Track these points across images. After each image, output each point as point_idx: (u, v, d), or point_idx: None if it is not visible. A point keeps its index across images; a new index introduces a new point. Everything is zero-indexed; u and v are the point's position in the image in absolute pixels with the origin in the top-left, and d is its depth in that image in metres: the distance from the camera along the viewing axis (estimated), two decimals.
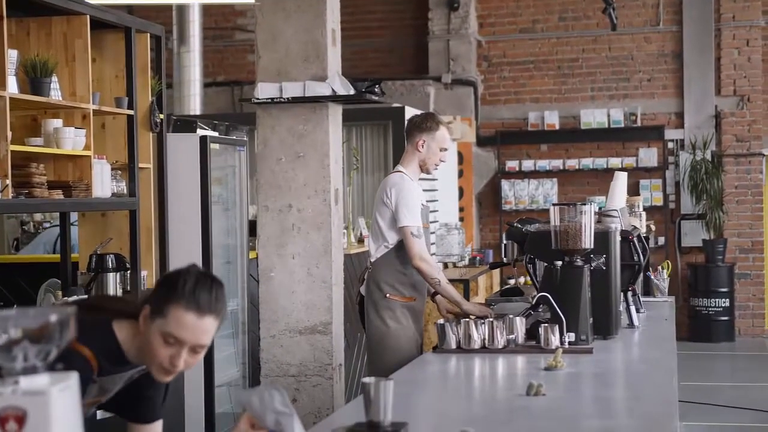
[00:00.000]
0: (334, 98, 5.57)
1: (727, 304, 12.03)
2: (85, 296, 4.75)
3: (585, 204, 4.39)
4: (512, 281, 11.90)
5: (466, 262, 10.50)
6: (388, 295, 5.06)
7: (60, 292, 5.34)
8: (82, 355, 2.52)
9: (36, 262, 6.52)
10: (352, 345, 7.37)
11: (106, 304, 2.71)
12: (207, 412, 6.07)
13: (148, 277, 5.73)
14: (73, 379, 1.79)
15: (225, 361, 6.54)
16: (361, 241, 7.96)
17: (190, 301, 2.51)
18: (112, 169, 5.41)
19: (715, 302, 12.00)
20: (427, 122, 5.19)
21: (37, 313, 1.80)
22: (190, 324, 2.50)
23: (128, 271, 5.50)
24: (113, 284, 5.36)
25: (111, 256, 5.39)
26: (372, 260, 5.19)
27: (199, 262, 6.10)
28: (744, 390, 9.44)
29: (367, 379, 2.72)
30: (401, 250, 5.03)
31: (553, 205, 4.42)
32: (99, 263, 5.35)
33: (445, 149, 5.22)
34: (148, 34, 5.79)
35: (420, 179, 8.51)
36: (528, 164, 12.65)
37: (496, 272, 10.91)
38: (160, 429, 2.91)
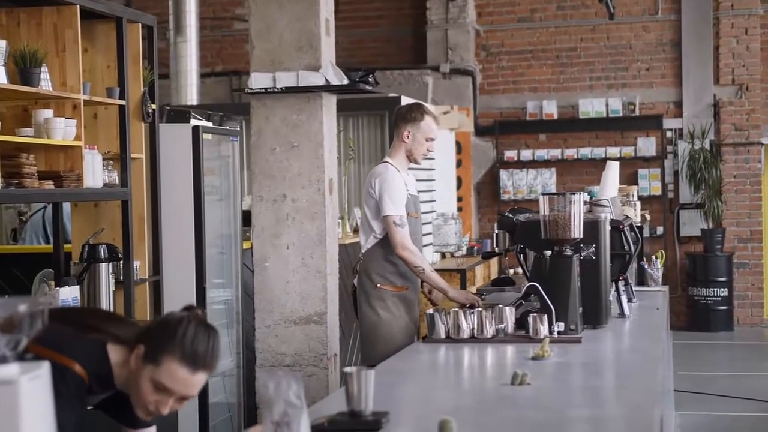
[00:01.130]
0: (328, 88, 5.57)
1: (726, 293, 12.02)
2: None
3: (574, 194, 4.38)
4: (511, 271, 11.91)
5: (464, 252, 10.51)
6: (378, 285, 5.09)
7: (53, 282, 5.34)
8: (78, 373, 2.52)
9: (31, 252, 6.53)
10: (347, 335, 7.38)
11: (102, 326, 2.68)
12: (201, 402, 6.08)
13: (141, 267, 5.73)
14: (43, 368, 1.79)
15: None
16: (356, 231, 7.96)
17: (185, 356, 2.51)
18: (104, 160, 5.40)
19: (714, 292, 12.00)
20: (411, 113, 5.20)
21: (6, 303, 1.80)
22: (182, 378, 2.51)
23: (121, 261, 5.50)
24: (105, 274, 5.35)
25: (103, 246, 5.39)
26: (362, 251, 5.21)
27: (192, 252, 6.11)
28: (742, 379, 9.44)
29: (348, 369, 2.73)
30: (389, 240, 5.05)
31: (543, 194, 4.42)
32: (91, 253, 5.35)
33: (432, 139, 5.22)
34: (140, 24, 5.78)
35: (418, 169, 8.47)
36: (526, 154, 12.64)
37: (494, 262, 10.91)
38: None
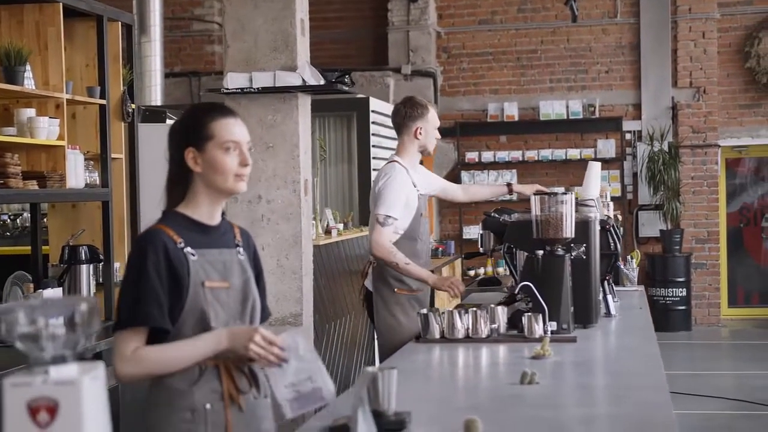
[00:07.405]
0: (304, 88, 5.55)
1: (684, 293, 12.18)
2: None
3: (566, 194, 4.41)
4: (482, 270, 11.96)
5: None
6: (396, 290, 5.04)
7: (31, 285, 5.25)
8: (158, 228, 2.82)
9: (5, 255, 6.42)
10: (321, 336, 7.35)
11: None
12: None
13: (121, 268, 5.66)
14: (100, 368, 1.76)
15: None
16: (328, 232, 7.92)
17: (220, 114, 2.88)
18: (85, 160, 5.33)
19: (672, 292, 12.15)
20: (417, 109, 5.25)
21: (65, 302, 1.77)
22: (233, 125, 2.88)
23: (101, 263, 5.43)
24: (86, 276, 5.28)
25: (84, 247, 5.31)
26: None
27: None
28: (701, 378, 9.56)
29: (371, 369, 2.71)
30: (405, 243, 5.01)
31: (535, 194, 4.44)
32: (72, 255, 5.27)
33: (438, 125, 5.38)
34: (120, 23, 5.72)
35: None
36: (488, 155, 12.70)
37: (458, 263, 10.95)
38: None
